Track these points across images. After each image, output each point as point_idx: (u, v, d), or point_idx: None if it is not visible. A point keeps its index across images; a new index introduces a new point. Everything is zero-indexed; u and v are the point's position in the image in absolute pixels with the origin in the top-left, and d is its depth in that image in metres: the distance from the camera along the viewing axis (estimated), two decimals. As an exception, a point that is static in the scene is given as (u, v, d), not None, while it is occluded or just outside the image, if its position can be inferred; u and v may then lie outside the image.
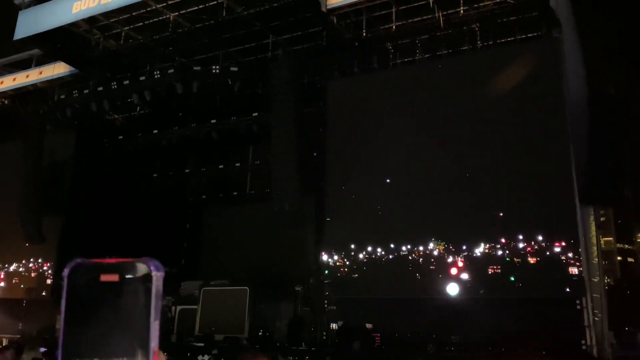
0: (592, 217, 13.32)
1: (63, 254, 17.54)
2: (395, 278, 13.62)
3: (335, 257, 14.41)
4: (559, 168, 12.49)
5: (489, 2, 14.28)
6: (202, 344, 13.87)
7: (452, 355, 12.23)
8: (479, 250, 12.94)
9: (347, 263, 14.28)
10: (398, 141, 14.24)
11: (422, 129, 14.16)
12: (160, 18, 16.58)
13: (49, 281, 18.16)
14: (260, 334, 14.34)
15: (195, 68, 17.20)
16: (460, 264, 13.01)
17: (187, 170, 20.62)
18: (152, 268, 1.01)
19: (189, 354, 13.34)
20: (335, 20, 15.51)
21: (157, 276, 1.01)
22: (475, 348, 11.96)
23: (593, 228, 13.25)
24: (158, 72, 17.16)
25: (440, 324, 12.52)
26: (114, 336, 0.97)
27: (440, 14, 14.66)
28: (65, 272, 1.01)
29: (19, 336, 16.92)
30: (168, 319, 15.75)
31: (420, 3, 14.81)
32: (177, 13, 16.29)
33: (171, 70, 17.06)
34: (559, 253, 12.13)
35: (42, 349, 7.46)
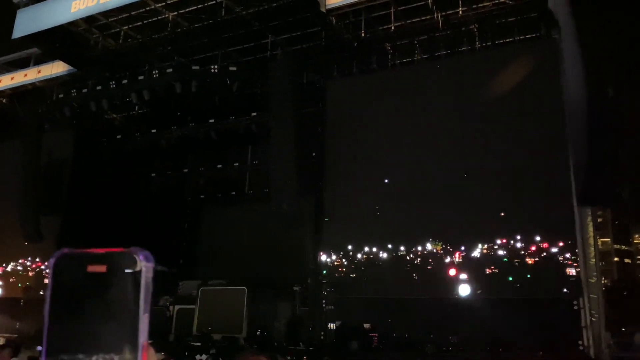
0: (589, 218, 13.34)
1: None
2: (393, 278, 13.64)
3: (334, 257, 14.42)
4: (557, 169, 12.52)
5: (487, 3, 14.30)
6: (200, 344, 13.87)
7: (450, 355, 12.25)
8: (477, 250, 12.97)
9: (345, 263, 14.29)
10: (396, 142, 14.26)
11: (421, 129, 14.18)
12: (159, 17, 16.56)
13: (46, 280, 18.10)
14: (258, 333, 14.35)
15: (194, 68, 17.19)
16: (458, 264, 13.03)
17: (185, 170, 20.61)
18: (141, 258, 0.96)
19: (186, 354, 13.33)
20: (334, 21, 15.51)
21: (147, 267, 0.96)
22: (473, 348, 11.98)
23: (591, 229, 13.27)
24: (157, 71, 17.16)
25: (438, 324, 12.53)
26: (101, 330, 0.93)
27: (439, 15, 14.67)
28: (51, 262, 0.97)
29: (16, 335, 16.89)
30: (166, 318, 15.75)
31: (419, 4, 14.82)
32: (176, 12, 16.29)
33: (170, 70, 17.06)
34: (556, 254, 12.16)
35: (39, 348, 7.45)
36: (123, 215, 18.68)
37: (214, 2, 15.51)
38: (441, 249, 13.32)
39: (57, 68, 19.53)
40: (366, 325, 13.28)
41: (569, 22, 14.06)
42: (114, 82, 17.69)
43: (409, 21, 15.29)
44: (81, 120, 19.30)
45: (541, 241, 12.36)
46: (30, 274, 18.72)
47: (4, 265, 19.38)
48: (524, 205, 12.60)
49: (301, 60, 16.11)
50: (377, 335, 13.04)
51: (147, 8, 16.18)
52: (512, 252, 12.61)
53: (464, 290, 12.84)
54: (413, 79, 15.09)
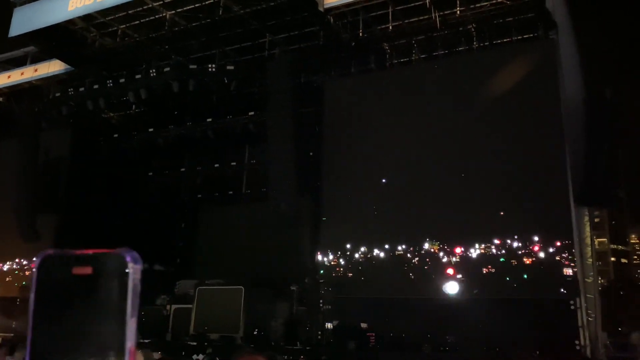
0: (586, 218, 13.39)
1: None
2: (390, 278, 13.64)
3: (331, 257, 14.42)
4: (555, 169, 12.53)
5: (485, 3, 14.32)
6: (197, 343, 13.85)
7: (447, 355, 12.26)
8: (474, 250, 12.98)
9: (343, 263, 14.29)
10: (394, 141, 14.26)
11: (418, 129, 14.18)
12: (156, 16, 16.53)
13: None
14: (255, 333, 14.33)
15: (191, 67, 17.16)
16: (455, 264, 13.04)
17: (182, 169, 20.57)
18: (128, 260, 0.92)
19: (183, 353, 13.31)
20: (332, 20, 15.51)
21: (135, 269, 0.93)
22: (469, 348, 11.99)
23: (588, 229, 13.32)
24: (154, 70, 17.11)
25: (435, 323, 12.54)
26: (87, 335, 0.89)
27: (436, 15, 14.68)
28: (35, 263, 0.93)
29: (12, 335, 16.84)
30: (163, 317, 15.73)
31: (417, 3, 14.83)
32: (173, 11, 16.25)
33: (167, 69, 17.02)
34: (553, 253, 12.18)
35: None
36: (120, 214, 18.64)
37: (212, 1, 15.48)
38: (438, 249, 13.33)
39: (54, 66, 19.49)
40: (363, 325, 13.28)
41: (567, 23, 14.09)
42: (111, 81, 17.64)
43: (406, 21, 15.29)
44: (78, 119, 19.26)
45: (538, 241, 12.38)
46: (27, 273, 18.66)
47: (0, 264, 19.31)
48: (521, 205, 12.62)
49: (299, 59, 16.09)
50: (374, 334, 13.05)
51: (145, 7, 16.15)
52: (510, 252, 12.62)
53: (452, 288, 12.84)
54: (411, 79, 15.09)
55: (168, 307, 15.96)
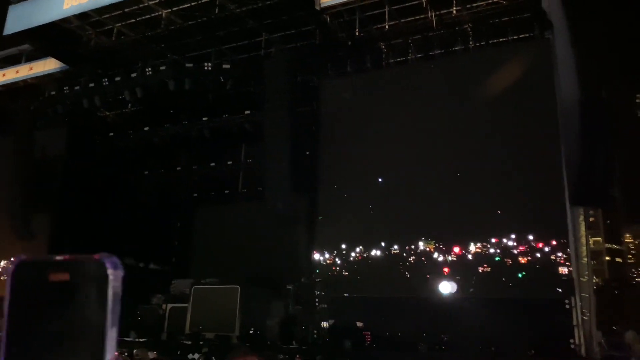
0: (582, 218, 13.44)
1: (53, 252, 17.41)
2: (385, 277, 13.66)
3: (327, 256, 14.43)
4: (550, 169, 12.57)
5: (481, 3, 14.35)
6: (192, 342, 13.83)
7: (442, 354, 12.29)
8: (470, 249, 13.01)
9: (339, 262, 14.30)
10: (390, 141, 14.28)
11: (414, 129, 14.20)
12: (152, 15, 16.49)
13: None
14: (251, 332, 14.33)
15: (187, 65, 17.12)
16: (450, 263, 13.07)
17: (178, 168, 20.52)
18: (108, 265, 0.87)
19: (179, 352, 13.29)
20: (328, 19, 15.50)
21: (115, 275, 0.87)
22: (465, 347, 12.02)
23: (583, 228, 13.38)
24: (150, 69, 17.06)
25: (430, 322, 12.57)
26: (64, 346, 0.84)
27: (433, 14, 14.70)
28: (9, 270, 0.89)
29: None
30: (159, 317, 15.71)
31: (413, 3, 14.84)
32: (169, 10, 16.22)
33: (163, 68, 16.98)
34: (549, 253, 12.22)
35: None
36: (116, 213, 18.60)
37: (208, -1, 15.46)
38: (434, 248, 13.36)
39: (49, 65, 19.40)
40: (359, 324, 13.29)
41: (563, 23, 14.14)
42: (106, 79, 17.59)
43: (403, 20, 15.31)
44: (74, 118, 19.19)
45: (534, 240, 12.42)
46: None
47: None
48: (517, 204, 12.66)
49: (295, 58, 16.08)
50: (370, 333, 13.06)
51: (141, 5, 16.11)
52: (505, 251, 12.66)
53: (447, 287, 12.87)
54: (407, 78, 15.10)
55: (164, 306, 15.94)
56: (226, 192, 19.71)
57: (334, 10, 15.32)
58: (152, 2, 15.89)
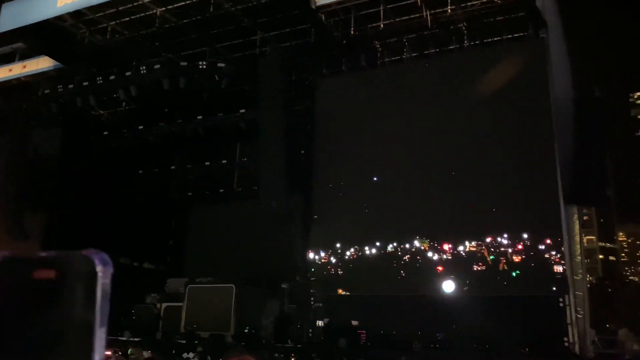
0: (576, 216, 13.50)
1: (47, 251, 17.31)
2: (380, 275, 13.69)
3: (322, 255, 14.44)
4: (544, 168, 12.62)
5: (476, 2, 14.38)
6: (187, 341, 13.81)
7: (437, 352, 12.32)
8: (464, 248, 13.05)
9: (334, 261, 14.31)
10: (385, 140, 14.29)
11: (409, 127, 14.23)
12: (147, 13, 16.41)
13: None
14: (246, 331, 14.32)
15: (182, 64, 17.06)
16: (445, 262, 13.11)
17: (173, 167, 20.48)
18: (96, 262, 0.82)
19: (174, 352, 13.26)
20: (323, 18, 15.50)
21: (104, 272, 0.82)
22: (459, 345, 12.06)
23: (577, 227, 13.43)
24: (144, 67, 16.99)
25: (425, 321, 12.60)
26: (49, 348, 0.79)
27: (428, 13, 14.72)
28: None
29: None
30: (154, 316, 15.67)
31: (408, 2, 14.85)
32: (164, 8, 16.14)
33: (158, 66, 16.91)
34: (543, 251, 12.28)
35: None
36: (110, 213, 18.53)
37: (203, -3, 15.40)
38: (429, 247, 13.39)
39: (43, 63, 19.28)
40: (354, 323, 13.31)
41: (557, 22, 14.18)
42: (101, 78, 17.51)
43: (398, 19, 15.31)
44: (68, 116, 19.09)
45: (528, 239, 12.47)
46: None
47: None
48: (511, 203, 12.70)
49: (290, 57, 16.06)
50: (365, 332, 13.08)
51: (135, 3, 16.03)
52: (500, 249, 12.71)
53: (448, 286, 12.92)
54: (402, 77, 15.12)
55: (158, 305, 15.91)
56: (221, 190, 19.67)
57: (329, 9, 15.32)
58: (147, 0, 15.82)
